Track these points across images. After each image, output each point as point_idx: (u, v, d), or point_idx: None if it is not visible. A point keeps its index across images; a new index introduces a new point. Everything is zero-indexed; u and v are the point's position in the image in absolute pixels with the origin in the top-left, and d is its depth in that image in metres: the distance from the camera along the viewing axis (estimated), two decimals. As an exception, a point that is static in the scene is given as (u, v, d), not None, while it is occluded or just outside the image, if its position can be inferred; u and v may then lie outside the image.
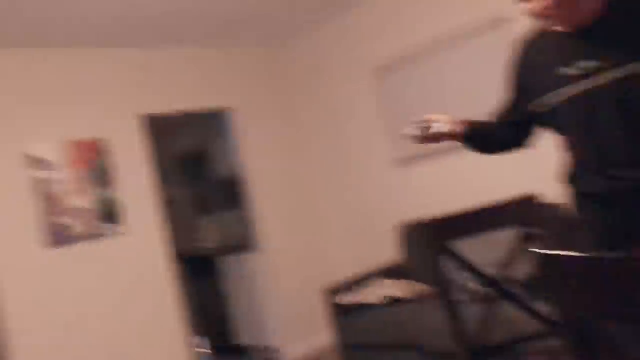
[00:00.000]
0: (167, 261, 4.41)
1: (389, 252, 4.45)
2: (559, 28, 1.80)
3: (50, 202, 3.91)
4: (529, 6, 1.73)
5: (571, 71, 1.83)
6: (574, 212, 2.04)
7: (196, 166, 6.83)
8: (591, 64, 1.79)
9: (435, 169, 4.30)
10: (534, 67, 1.97)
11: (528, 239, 2.97)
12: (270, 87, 5.23)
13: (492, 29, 3.82)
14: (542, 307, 2.02)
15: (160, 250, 4.38)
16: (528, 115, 2.02)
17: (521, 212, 1.98)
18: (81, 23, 3.81)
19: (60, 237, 3.92)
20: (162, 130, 6.78)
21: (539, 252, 0.78)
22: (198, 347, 2.15)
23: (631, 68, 1.75)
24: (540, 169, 3.61)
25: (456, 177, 4.17)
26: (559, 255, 0.75)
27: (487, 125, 2.09)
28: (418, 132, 1.94)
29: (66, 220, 3.97)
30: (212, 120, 5.80)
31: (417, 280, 4.00)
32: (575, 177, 1.99)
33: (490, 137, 2.07)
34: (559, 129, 1.97)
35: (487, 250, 3.08)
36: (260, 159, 5.03)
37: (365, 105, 4.72)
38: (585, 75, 1.81)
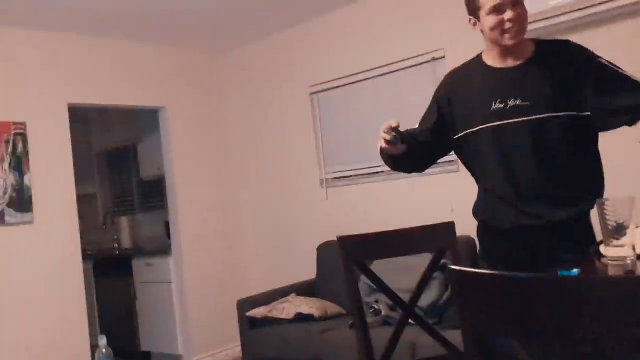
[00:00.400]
0: (76, 257, 4.23)
1: (308, 270, 4.45)
2: (511, 42, 1.93)
3: (-44, 181, 3.69)
4: (497, 18, 1.90)
5: (496, 105, 1.95)
6: (481, 244, 2.13)
7: (121, 163, 6.65)
8: (515, 102, 1.92)
9: (361, 192, 4.37)
10: (460, 97, 2.08)
11: (441, 266, 3.06)
12: (205, 90, 5.17)
13: (425, 63, 3.96)
14: (447, 333, 2.07)
15: (71, 244, 4.20)
16: (444, 141, 2.11)
17: (438, 239, 2.03)
18: (18, 1, 3.65)
19: (-37, 219, 3.69)
20: (89, 122, 6.58)
21: (453, 268, 0.81)
22: (100, 348, 2.06)
23: (550, 110, 1.87)
24: (461, 199, 3.74)
25: (382, 200, 4.25)
26: (469, 271, 0.78)
27: (412, 140, 2.14)
28: (390, 136, 1.93)
29: (-28, 202, 3.75)
30: (142, 117, 5.68)
31: (330, 299, 4.03)
32: (485, 209, 2.08)
33: (411, 152, 2.12)
34: (476, 158, 2.07)
35: (400, 274, 3.15)
36: (186, 162, 4.95)
37: (298, 124, 4.75)
38: (508, 111, 1.93)
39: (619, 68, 1.91)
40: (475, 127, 2.01)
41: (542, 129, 1.91)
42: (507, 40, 1.93)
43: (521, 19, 1.91)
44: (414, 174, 3.97)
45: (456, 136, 2.08)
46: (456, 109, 2.08)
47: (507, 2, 1.89)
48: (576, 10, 3.16)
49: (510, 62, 1.99)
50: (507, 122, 1.94)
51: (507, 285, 0.73)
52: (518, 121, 1.92)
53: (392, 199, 4.17)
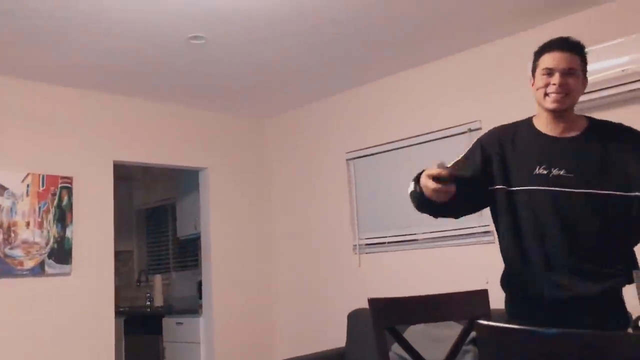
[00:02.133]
0: (109, 312, 4.27)
1: (338, 337, 4.38)
2: (553, 106, 1.95)
3: (5, 231, 3.82)
4: (547, 80, 1.95)
5: (539, 171, 1.95)
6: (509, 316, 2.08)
7: (160, 221, 6.78)
8: (559, 172, 1.93)
9: (394, 259, 4.34)
10: (505, 153, 2.06)
11: (474, 339, 2.98)
12: (245, 154, 5.30)
13: (462, 134, 4.00)
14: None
15: (105, 300, 4.25)
16: (483, 191, 2.07)
17: (471, 307, 2.01)
18: (70, 62, 3.88)
19: (6, 268, 3.80)
20: (132, 179, 6.78)
21: (483, 324, 0.81)
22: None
23: (592, 186, 1.89)
24: (497, 272, 3.68)
25: (415, 269, 4.21)
26: (499, 327, 0.79)
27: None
28: (445, 171, 1.83)
29: (17, 252, 3.86)
30: (183, 177, 5.83)
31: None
32: (518, 280, 2.04)
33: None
34: (507, 215, 2.01)
35: (432, 346, 3.08)
36: (223, 223, 5.02)
37: (334, 189, 4.80)
38: (550, 179, 1.93)
39: None
40: (515, 187, 2.00)
41: (579, 203, 1.91)
42: (549, 104, 1.95)
43: (569, 88, 1.93)
44: (449, 243, 4.00)
45: (492, 188, 2.04)
46: (499, 164, 2.05)
47: (559, 68, 1.93)
48: (615, 86, 3.19)
49: (561, 132, 2.00)
50: (547, 189, 1.93)
51: (536, 342, 0.73)
52: (558, 190, 1.92)
53: (426, 268, 4.13)
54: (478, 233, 3.87)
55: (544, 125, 2.02)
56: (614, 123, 2.05)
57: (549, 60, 1.96)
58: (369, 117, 4.61)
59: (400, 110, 4.39)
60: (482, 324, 0.80)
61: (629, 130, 1.99)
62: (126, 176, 6.34)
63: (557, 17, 3.58)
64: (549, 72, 1.94)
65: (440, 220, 4.26)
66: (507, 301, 2.10)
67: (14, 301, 3.84)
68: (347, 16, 3.42)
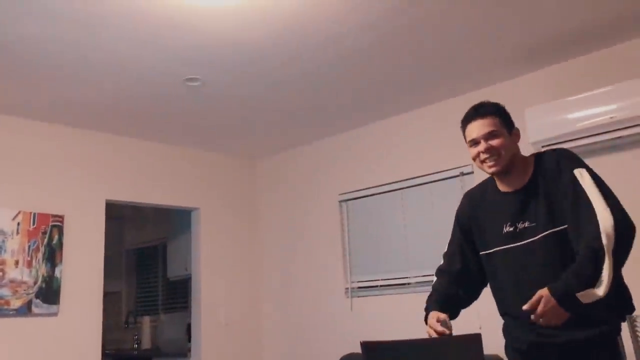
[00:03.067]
0: (96, 354, 4.18)
1: (328, 381, 4.31)
2: (491, 170, 2.08)
3: (-9, 269, 3.77)
4: (475, 151, 2.08)
5: (507, 229, 2.07)
6: None
7: (150, 261, 6.71)
8: (524, 224, 2.04)
9: (387, 303, 4.31)
10: (477, 219, 2.19)
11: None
12: (237, 194, 5.31)
13: (454, 177, 4.03)
14: None
15: (92, 342, 4.17)
16: (477, 261, 2.20)
17: (465, 350, 1.99)
18: (63, 100, 3.90)
19: (-9, 307, 3.73)
20: (123, 218, 6.74)
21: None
22: None
23: (549, 227, 1.97)
24: (489, 317, 3.66)
25: (408, 313, 4.17)
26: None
27: (452, 298, 2.26)
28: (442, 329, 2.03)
29: (4, 291, 3.80)
30: (175, 217, 5.81)
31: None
32: (507, 329, 2.14)
33: (459, 303, 2.28)
34: (492, 280, 2.16)
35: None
36: (213, 263, 4.98)
37: (326, 231, 4.79)
38: (518, 234, 2.04)
39: (594, 184, 1.92)
40: (490, 249, 2.12)
41: (547, 245, 1.97)
42: (488, 169, 2.08)
43: (497, 149, 2.03)
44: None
45: (481, 253, 2.17)
46: (476, 229, 2.19)
47: (480, 136, 2.05)
48: (604, 132, 3.24)
49: (513, 187, 2.09)
50: (518, 245, 2.03)
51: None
52: (526, 242, 2.01)
53: (419, 312, 4.06)
54: (470, 277, 3.85)
55: (501, 183, 2.14)
56: (550, 152, 2.11)
57: (470, 132, 2.09)
58: (362, 159, 4.64)
59: (393, 153, 4.43)
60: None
61: (558, 159, 2.04)
62: (117, 215, 6.31)
63: (548, 64, 3.66)
64: (474, 143, 2.07)
65: (433, 263, 4.25)
66: (506, 352, 2.19)
67: (0, 341, 3.77)
68: (341, 61, 3.48)
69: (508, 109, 3.53)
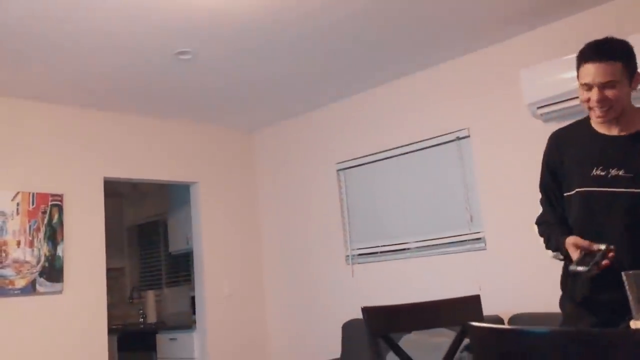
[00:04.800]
0: (102, 330, 4.24)
1: (333, 348, 4.38)
2: (598, 120, 1.92)
3: (-7, 250, 3.80)
4: (586, 96, 1.89)
5: (597, 172, 1.91)
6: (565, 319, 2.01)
7: (151, 236, 6.75)
8: (618, 172, 1.89)
9: (387, 269, 4.35)
10: (565, 160, 2.03)
11: (468, 346, 2.99)
12: (235, 167, 5.31)
13: (451, 142, 4.03)
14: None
15: (97, 317, 4.22)
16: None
17: (464, 313, 2.02)
18: (58, 80, 3.88)
19: (-4, 288, 3.77)
20: (122, 196, 6.76)
21: (478, 326, 0.82)
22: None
23: None
24: (488, 279, 3.70)
25: (408, 278, 4.22)
26: (496, 328, 0.79)
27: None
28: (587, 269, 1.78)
29: (8, 271, 3.84)
30: (174, 192, 5.82)
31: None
32: (564, 280, 2.01)
33: None
34: (574, 222, 1.98)
35: (426, 354, 3.09)
36: (215, 236, 5.01)
37: (325, 200, 4.81)
38: (608, 180, 1.89)
39: None
40: (572, 190, 1.97)
41: (636, 201, 1.86)
42: (595, 118, 1.93)
43: (610, 101, 1.86)
44: (441, 251, 4.01)
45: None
46: (561, 170, 2.04)
47: (596, 82, 1.85)
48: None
49: (617, 131, 1.94)
50: (604, 190, 1.89)
51: (529, 341, 0.74)
52: (615, 191, 1.87)
53: (419, 277, 4.14)
54: (470, 240, 3.89)
55: (601, 125, 1.97)
56: None
57: (585, 74, 1.88)
58: (358, 127, 4.64)
59: (389, 120, 4.42)
60: (474, 326, 0.81)
61: None
62: (115, 193, 6.32)
63: (543, 24, 3.62)
64: (588, 87, 1.88)
65: (432, 228, 4.28)
66: (564, 301, 2.06)
67: (6, 321, 3.81)
68: (334, 27, 3.45)
69: (502, 71, 3.42)
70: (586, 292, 1.92)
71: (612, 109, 1.88)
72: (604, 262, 1.73)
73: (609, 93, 1.85)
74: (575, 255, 1.81)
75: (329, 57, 3.88)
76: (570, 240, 1.84)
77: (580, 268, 1.76)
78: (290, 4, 3.12)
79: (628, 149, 1.91)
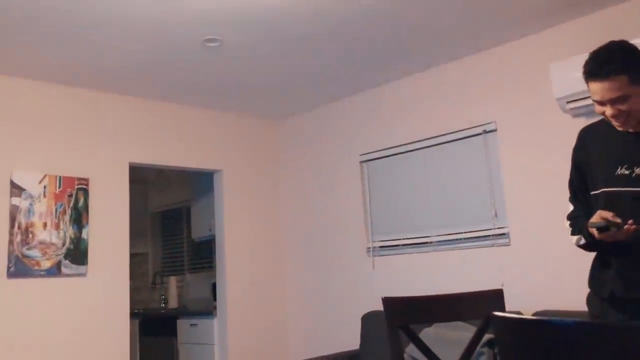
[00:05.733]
0: (124, 314, 4.30)
1: (352, 340, 4.38)
2: (620, 128, 1.91)
3: (23, 232, 3.87)
4: (601, 109, 1.88)
5: (621, 171, 1.90)
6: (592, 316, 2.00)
7: (174, 223, 6.82)
8: None
9: (408, 262, 4.33)
10: (591, 158, 2.02)
11: (489, 342, 2.96)
12: (259, 155, 5.32)
13: (477, 136, 3.98)
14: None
15: (120, 301, 4.28)
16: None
17: (486, 307, 1.99)
18: (87, 64, 3.92)
19: (23, 268, 3.84)
20: (147, 182, 6.83)
21: (502, 316, 0.81)
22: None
23: None
24: (512, 275, 3.66)
25: (429, 272, 4.19)
26: (520, 318, 0.78)
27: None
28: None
29: (34, 252, 3.91)
30: (198, 179, 5.86)
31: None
32: (592, 275, 2.01)
33: None
34: None
35: (447, 349, 3.07)
36: (237, 224, 5.04)
37: (347, 191, 4.80)
38: (633, 179, 1.87)
39: None
40: (598, 189, 1.96)
41: None
42: (618, 127, 1.91)
43: (625, 113, 1.85)
44: (463, 245, 3.98)
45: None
46: (587, 168, 2.03)
47: (606, 99, 1.84)
48: None
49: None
50: (627, 190, 1.87)
51: (553, 332, 0.72)
52: (637, 190, 1.85)
53: (440, 271, 4.11)
54: (493, 235, 3.85)
55: None
56: None
57: (593, 91, 1.87)
58: (383, 119, 4.61)
59: (415, 112, 4.39)
60: (498, 316, 0.80)
61: None
62: (140, 179, 6.39)
63: (573, 18, 3.55)
64: (600, 103, 1.87)
65: (455, 222, 4.25)
66: (591, 298, 2.05)
67: (31, 301, 3.89)
68: (362, 17, 3.42)
69: (531, 64, 3.35)
70: (615, 287, 1.90)
71: (631, 117, 1.86)
72: (629, 222, 1.73)
73: (622, 107, 1.83)
74: (595, 218, 1.82)
75: (355, 47, 3.85)
76: (597, 213, 1.83)
77: (596, 224, 1.79)
78: (318, -7, 3.10)
79: None
